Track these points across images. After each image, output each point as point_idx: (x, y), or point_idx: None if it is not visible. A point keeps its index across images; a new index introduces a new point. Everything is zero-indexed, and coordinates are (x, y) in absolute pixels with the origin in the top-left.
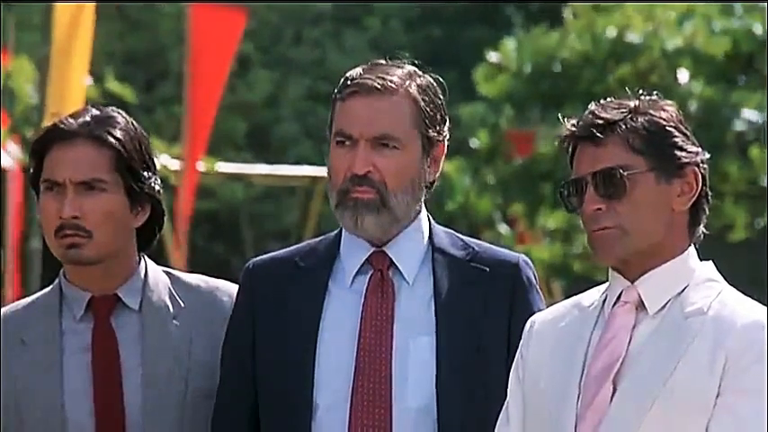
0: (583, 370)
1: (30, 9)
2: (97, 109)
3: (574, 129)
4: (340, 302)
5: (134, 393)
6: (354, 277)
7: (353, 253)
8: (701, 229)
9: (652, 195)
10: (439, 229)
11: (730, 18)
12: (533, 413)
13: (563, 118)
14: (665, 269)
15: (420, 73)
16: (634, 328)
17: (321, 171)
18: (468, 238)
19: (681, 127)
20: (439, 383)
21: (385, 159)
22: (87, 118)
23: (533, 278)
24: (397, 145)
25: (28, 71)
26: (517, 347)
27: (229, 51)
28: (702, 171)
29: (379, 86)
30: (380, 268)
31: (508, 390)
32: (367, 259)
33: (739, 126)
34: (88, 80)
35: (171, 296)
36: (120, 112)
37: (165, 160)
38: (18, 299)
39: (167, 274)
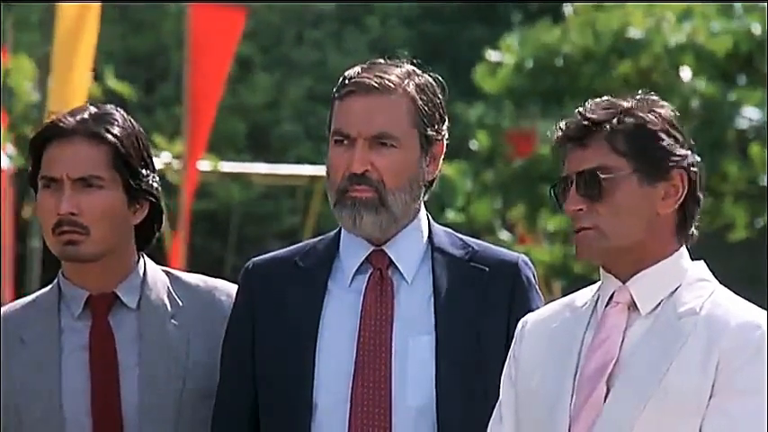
0: (576, 371)
1: (29, 9)
2: (95, 107)
3: (563, 129)
4: (339, 302)
5: (131, 392)
6: (354, 276)
7: (353, 252)
8: (693, 230)
9: (634, 198)
10: (438, 228)
11: (729, 18)
12: (526, 413)
13: (561, 118)
14: (656, 270)
15: (419, 72)
16: (627, 328)
17: (320, 170)
18: (468, 238)
19: (671, 129)
20: (438, 383)
21: (383, 158)
22: (85, 115)
23: (533, 278)
24: (396, 144)
25: (27, 69)
26: None
27: (229, 51)
28: (692, 174)
29: (376, 85)
30: (380, 267)
31: (501, 389)
32: (366, 258)
33: (740, 124)
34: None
35: (170, 295)
36: (119, 109)
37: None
38: (13, 299)
39: (166, 273)
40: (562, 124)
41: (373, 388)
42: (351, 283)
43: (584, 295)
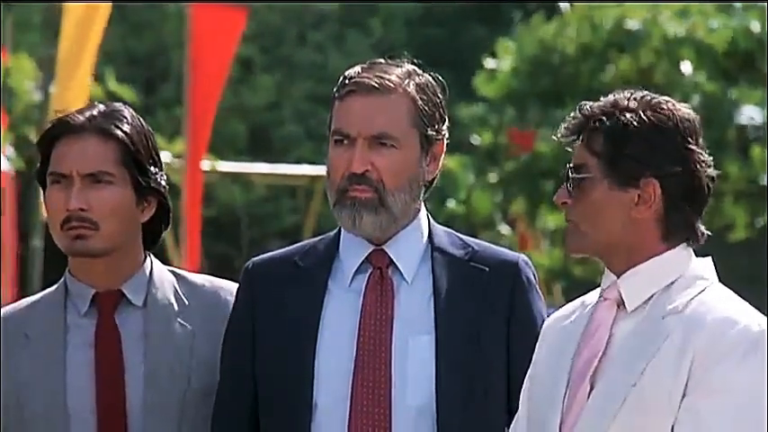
0: (571, 366)
1: (30, 10)
2: (104, 104)
3: (565, 124)
4: (339, 301)
5: (136, 390)
6: (354, 276)
7: (353, 252)
8: (702, 229)
9: (603, 199)
10: (438, 228)
11: (728, 16)
12: (531, 413)
13: (562, 120)
14: (644, 267)
15: (419, 72)
16: (614, 325)
17: (320, 170)
18: (468, 238)
19: (655, 134)
20: (438, 382)
21: (383, 158)
22: (94, 112)
23: (533, 278)
24: (395, 144)
25: (28, 68)
26: (516, 346)
27: (229, 50)
28: (669, 183)
29: (376, 85)
30: (380, 267)
31: (520, 402)
32: (366, 258)
33: (741, 120)
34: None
35: (176, 294)
36: (127, 107)
37: (167, 158)
38: (14, 300)
39: (173, 272)
40: (569, 118)
41: (373, 387)
42: (351, 282)
43: (595, 293)
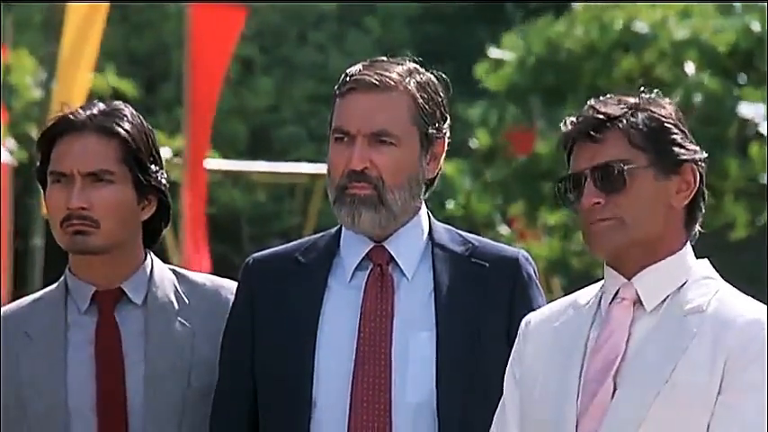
0: (581, 370)
1: (30, 9)
2: (104, 103)
3: (574, 125)
4: (339, 298)
5: (136, 388)
6: (354, 272)
7: (353, 248)
8: (698, 227)
9: (650, 190)
10: (439, 225)
11: (728, 17)
12: (531, 413)
13: (564, 116)
14: (661, 266)
15: (421, 70)
16: (632, 325)
17: (320, 168)
18: (468, 234)
19: (680, 125)
20: (439, 379)
21: (382, 155)
22: (95, 110)
23: (533, 274)
24: (395, 141)
25: (28, 65)
26: None
27: (228, 49)
28: (700, 170)
29: (377, 83)
30: (380, 263)
31: (504, 389)
32: (367, 254)
33: (744, 111)
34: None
35: (176, 293)
36: (127, 105)
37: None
38: (12, 297)
39: (173, 271)
40: (572, 120)
41: (373, 384)
42: (351, 279)
43: (587, 293)
